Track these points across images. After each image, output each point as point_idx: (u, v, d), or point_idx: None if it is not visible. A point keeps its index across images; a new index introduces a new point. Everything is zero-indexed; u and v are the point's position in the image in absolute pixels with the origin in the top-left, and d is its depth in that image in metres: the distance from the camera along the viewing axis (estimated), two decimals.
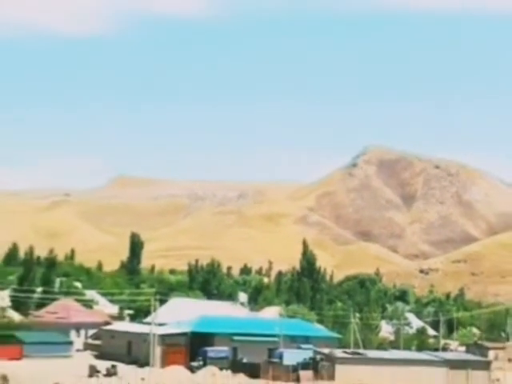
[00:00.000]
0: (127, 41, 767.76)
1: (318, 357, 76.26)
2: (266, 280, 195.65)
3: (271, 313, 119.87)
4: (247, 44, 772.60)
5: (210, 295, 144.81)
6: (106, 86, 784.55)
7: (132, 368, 79.41)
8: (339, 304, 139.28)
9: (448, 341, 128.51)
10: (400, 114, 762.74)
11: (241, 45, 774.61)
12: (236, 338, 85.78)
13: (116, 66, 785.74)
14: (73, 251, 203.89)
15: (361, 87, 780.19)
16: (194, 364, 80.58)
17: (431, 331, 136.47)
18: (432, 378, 73.35)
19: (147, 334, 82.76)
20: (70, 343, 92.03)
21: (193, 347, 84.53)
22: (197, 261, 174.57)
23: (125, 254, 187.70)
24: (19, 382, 61.99)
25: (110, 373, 72.04)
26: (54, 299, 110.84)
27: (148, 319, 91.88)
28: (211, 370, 76.46)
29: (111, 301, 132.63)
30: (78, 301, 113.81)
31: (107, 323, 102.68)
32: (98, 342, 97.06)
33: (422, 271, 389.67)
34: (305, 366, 75.10)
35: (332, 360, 74.57)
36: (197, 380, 69.25)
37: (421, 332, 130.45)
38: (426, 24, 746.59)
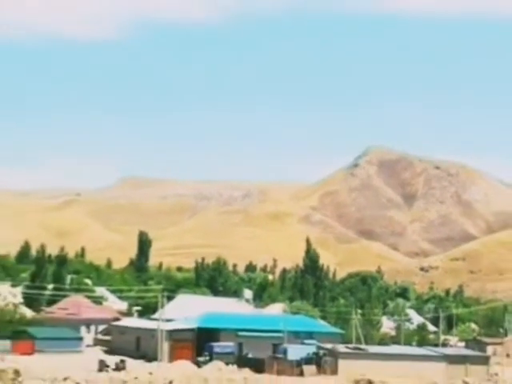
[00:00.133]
0: (134, 45, 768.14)
1: (321, 352, 76.27)
2: (270, 277, 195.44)
3: (275, 309, 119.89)
4: (249, 47, 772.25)
5: (216, 292, 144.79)
6: (115, 89, 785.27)
7: (140, 363, 79.56)
8: (342, 301, 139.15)
9: (447, 336, 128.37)
10: (401, 116, 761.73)
11: (243, 48, 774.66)
12: (241, 333, 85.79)
13: (123, 69, 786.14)
14: (83, 249, 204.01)
15: (362, 89, 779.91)
16: (201, 359, 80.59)
17: (431, 327, 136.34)
18: (432, 372, 73.31)
19: (155, 330, 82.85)
20: (81, 339, 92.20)
21: (199, 342, 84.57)
22: (203, 259, 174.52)
23: (133, 252, 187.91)
24: (31, 376, 62.07)
25: (119, 367, 72.12)
26: (65, 296, 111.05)
27: (156, 315, 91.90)
28: (217, 364, 76.49)
29: (120, 297, 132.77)
30: (88, 297, 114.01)
31: (116, 319, 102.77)
32: (107, 338, 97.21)
33: (422, 269, 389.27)
34: (308, 360, 75.11)
35: (335, 355, 74.60)
36: (203, 374, 69.25)
37: (421, 328, 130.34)
38: (427, 26, 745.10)
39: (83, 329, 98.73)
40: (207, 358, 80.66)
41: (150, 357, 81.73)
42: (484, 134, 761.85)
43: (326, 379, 70.23)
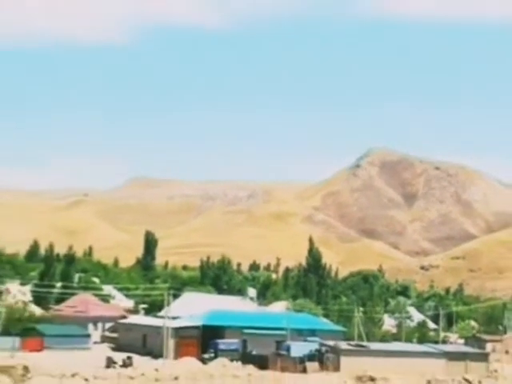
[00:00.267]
0: (145, 48, 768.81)
1: (324, 349, 76.13)
2: (274, 276, 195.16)
3: (279, 307, 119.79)
4: (255, 49, 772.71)
5: (220, 290, 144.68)
6: (124, 91, 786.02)
7: (147, 359, 79.51)
8: (344, 299, 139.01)
9: (448, 334, 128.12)
10: (401, 118, 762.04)
11: (247, 50, 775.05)
12: (246, 331, 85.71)
13: (132, 71, 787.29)
14: (91, 248, 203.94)
15: (365, 92, 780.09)
16: (206, 356, 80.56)
17: (431, 324, 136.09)
18: (432, 369, 73.15)
19: (161, 327, 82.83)
20: (88, 336, 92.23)
21: (204, 340, 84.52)
22: (208, 257, 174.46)
23: (140, 251, 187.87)
24: (40, 372, 62.06)
25: (126, 364, 72.10)
26: (73, 294, 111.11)
27: (162, 313, 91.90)
28: (222, 361, 76.43)
29: (127, 295, 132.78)
30: (95, 295, 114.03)
31: (123, 317, 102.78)
32: (114, 335, 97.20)
33: (422, 267, 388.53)
34: (311, 357, 74.98)
35: (337, 352, 74.47)
36: (208, 371, 69.17)
37: (422, 325, 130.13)
38: (427, 29, 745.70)
39: (91, 326, 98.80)
40: (212, 354, 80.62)
41: (156, 353, 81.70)
42: (483, 136, 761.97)
43: (328, 376, 70.10)
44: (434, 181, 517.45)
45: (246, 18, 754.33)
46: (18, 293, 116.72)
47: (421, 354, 76.95)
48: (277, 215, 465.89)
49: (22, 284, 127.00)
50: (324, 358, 74.22)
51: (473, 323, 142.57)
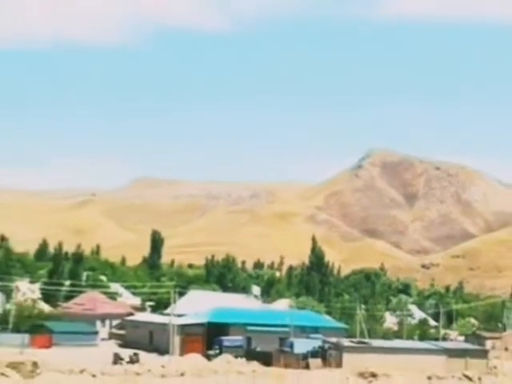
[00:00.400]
0: (144, 50, 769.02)
1: (327, 346, 76.07)
2: (277, 274, 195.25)
3: (282, 305, 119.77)
4: (258, 50, 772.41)
5: (225, 288, 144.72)
6: (127, 92, 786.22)
7: (153, 356, 79.57)
8: (346, 296, 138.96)
9: (448, 331, 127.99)
10: (402, 119, 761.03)
11: (252, 51, 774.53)
12: (250, 328, 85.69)
13: (137, 73, 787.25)
14: (98, 247, 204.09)
15: (366, 94, 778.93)
16: (211, 352, 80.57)
17: (432, 322, 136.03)
18: (433, 365, 73.06)
19: (167, 324, 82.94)
20: (96, 333, 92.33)
21: (209, 336, 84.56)
22: (213, 256, 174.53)
23: (146, 250, 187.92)
24: (49, 368, 62.13)
25: (133, 360, 72.15)
26: (81, 292, 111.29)
27: (168, 310, 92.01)
28: (227, 357, 76.41)
29: (134, 293, 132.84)
30: (103, 293, 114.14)
31: (130, 314, 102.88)
32: (121, 332, 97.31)
33: (423, 266, 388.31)
34: (314, 354, 74.91)
35: (339, 349, 74.42)
36: (213, 367, 69.17)
37: (422, 323, 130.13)
38: (426, 30, 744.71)
39: (98, 323, 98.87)
40: (217, 351, 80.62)
41: (163, 350, 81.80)
42: (483, 136, 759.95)
43: (331, 372, 70.05)
44: (435, 181, 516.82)
45: (246, 18, 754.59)
46: (28, 291, 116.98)
47: (422, 351, 76.86)
48: (280, 215, 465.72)
49: (32, 282, 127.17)
50: (327, 355, 74.15)
51: (473, 321, 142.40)
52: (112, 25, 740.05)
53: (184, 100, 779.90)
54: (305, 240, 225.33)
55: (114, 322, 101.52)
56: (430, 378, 70.20)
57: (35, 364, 61.08)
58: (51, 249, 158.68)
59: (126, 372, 63.87)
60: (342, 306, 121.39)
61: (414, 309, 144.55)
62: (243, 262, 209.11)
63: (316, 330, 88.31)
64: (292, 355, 74.86)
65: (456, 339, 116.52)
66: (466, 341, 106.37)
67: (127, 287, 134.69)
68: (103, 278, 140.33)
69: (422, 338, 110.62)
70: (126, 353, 75.26)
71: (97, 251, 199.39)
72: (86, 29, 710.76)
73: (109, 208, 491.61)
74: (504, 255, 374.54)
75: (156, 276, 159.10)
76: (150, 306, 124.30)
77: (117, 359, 72.11)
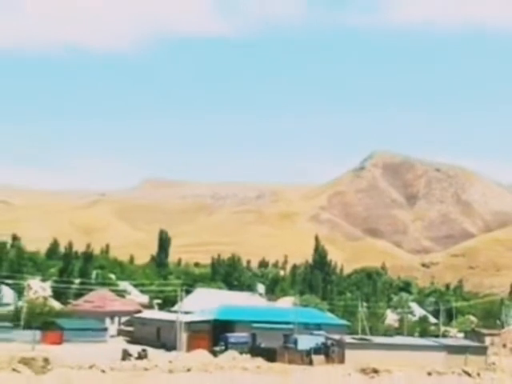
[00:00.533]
0: (153, 55, 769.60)
1: (329, 342, 75.99)
2: (281, 273, 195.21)
3: (286, 302, 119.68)
4: (264, 55, 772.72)
5: (231, 286, 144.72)
6: (139, 97, 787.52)
7: (161, 352, 79.56)
8: (348, 294, 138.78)
9: (448, 328, 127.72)
10: (404, 122, 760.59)
11: (258, 56, 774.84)
12: (255, 325, 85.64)
13: (146, 78, 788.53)
14: (107, 246, 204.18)
15: (369, 98, 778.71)
16: (217, 348, 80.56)
17: (432, 319, 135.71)
18: (433, 361, 72.94)
19: (174, 322, 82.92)
20: (105, 329, 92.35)
21: (215, 333, 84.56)
22: (219, 255, 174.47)
23: (154, 249, 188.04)
24: (59, 364, 62.17)
25: (141, 356, 72.16)
26: (91, 289, 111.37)
27: (175, 308, 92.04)
28: (232, 354, 76.39)
29: (142, 291, 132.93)
30: (112, 291, 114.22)
31: (138, 311, 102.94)
32: (130, 329, 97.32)
33: (423, 265, 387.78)
34: (317, 350, 74.85)
35: (342, 345, 74.34)
36: (219, 363, 69.14)
37: (423, 320, 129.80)
38: (428, 36, 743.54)
39: (108, 320, 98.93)
40: (223, 347, 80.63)
41: (170, 346, 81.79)
42: (481, 139, 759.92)
43: (333, 368, 70.00)
44: (435, 182, 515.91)
45: (250, 24, 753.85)
46: (39, 288, 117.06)
47: (422, 348, 76.73)
48: (284, 215, 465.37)
49: (43, 280, 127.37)
50: (329, 351, 74.09)
51: (472, 318, 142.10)
52: (120, 30, 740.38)
53: (192, 104, 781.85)
54: (308, 239, 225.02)
55: (123, 319, 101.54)
56: (430, 373, 70.12)
57: (46, 360, 61.13)
58: (62, 248, 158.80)
59: (135, 368, 63.88)
60: (345, 303, 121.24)
61: (414, 306, 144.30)
62: (248, 261, 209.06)
63: (319, 327, 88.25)
64: (296, 351, 74.81)
65: (455, 336, 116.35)
66: (466, 337, 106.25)
67: (135, 285, 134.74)
68: (112, 276, 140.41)
69: (423, 334, 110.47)
70: (135, 349, 75.27)
71: (106, 250, 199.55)
72: (97, 35, 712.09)
73: (118, 208, 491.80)
74: (502, 254, 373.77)
75: (163, 274, 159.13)
76: (158, 304, 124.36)
77: (125, 355, 72.11)
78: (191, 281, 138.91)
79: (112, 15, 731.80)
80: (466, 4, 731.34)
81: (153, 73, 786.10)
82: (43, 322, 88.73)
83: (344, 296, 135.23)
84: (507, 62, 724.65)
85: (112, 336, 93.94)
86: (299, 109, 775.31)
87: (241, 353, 77.34)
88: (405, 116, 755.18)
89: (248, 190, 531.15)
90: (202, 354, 75.69)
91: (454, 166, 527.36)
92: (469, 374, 71.45)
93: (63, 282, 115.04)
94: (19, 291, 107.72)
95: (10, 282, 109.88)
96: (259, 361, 72.14)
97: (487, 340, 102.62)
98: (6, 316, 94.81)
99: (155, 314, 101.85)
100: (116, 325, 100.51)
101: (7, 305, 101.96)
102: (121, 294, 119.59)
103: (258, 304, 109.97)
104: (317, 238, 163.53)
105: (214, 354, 78.04)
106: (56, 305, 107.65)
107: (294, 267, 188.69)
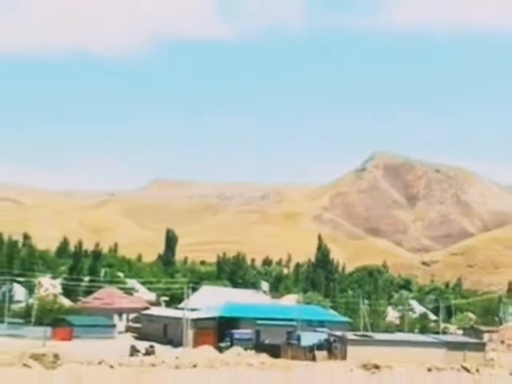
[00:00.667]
0: (164, 58, 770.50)
1: (332, 339, 75.89)
2: (285, 271, 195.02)
3: (290, 300, 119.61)
4: (266, 58, 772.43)
5: (236, 284, 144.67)
6: (147, 99, 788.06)
7: (168, 348, 79.60)
8: (350, 292, 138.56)
9: (447, 325, 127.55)
10: (404, 123, 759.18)
11: (261, 59, 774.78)
12: (259, 322, 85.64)
13: (153, 80, 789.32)
14: (116, 245, 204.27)
15: (370, 100, 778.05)
16: (222, 345, 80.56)
17: (432, 316, 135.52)
18: (433, 357, 72.81)
19: (181, 318, 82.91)
20: (114, 326, 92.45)
21: (221, 330, 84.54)
22: (224, 254, 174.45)
23: (161, 248, 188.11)
24: (69, 359, 62.21)
25: (149, 352, 72.18)
26: (100, 287, 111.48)
27: (181, 305, 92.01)
28: (237, 350, 76.38)
29: (149, 289, 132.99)
30: (120, 289, 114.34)
31: (146, 308, 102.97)
32: (137, 325, 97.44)
33: (423, 263, 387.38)
34: (320, 346, 74.75)
35: (344, 342, 74.23)
36: (224, 359, 69.09)
37: (423, 317, 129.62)
38: (428, 38, 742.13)
39: (116, 317, 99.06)
40: (228, 343, 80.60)
41: (177, 343, 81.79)
42: (480, 141, 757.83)
43: (336, 364, 69.92)
44: (435, 183, 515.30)
45: (251, 28, 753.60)
46: (49, 286, 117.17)
47: (422, 344, 76.58)
48: (288, 214, 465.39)
49: (53, 278, 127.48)
50: (332, 347, 73.99)
51: (471, 315, 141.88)
52: (121, 33, 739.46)
53: (196, 105, 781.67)
54: (311, 238, 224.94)
55: (131, 316, 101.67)
56: (430, 369, 69.99)
57: (56, 356, 61.16)
58: (72, 246, 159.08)
59: (142, 363, 63.88)
60: (347, 301, 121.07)
61: (414, 304, 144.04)
62: (253, 260, 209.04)
63: (322, 323, 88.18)
64: (299, 348, 74.74)
65: (455, 333, 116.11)
66: (465, 334, 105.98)
67: (143, 283, 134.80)
68: (120, 274, 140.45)
69: (423, 331, 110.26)
70: (142, 345, 75.31)
71: (114, 249, 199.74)
72: (98, 38, 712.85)
73: (127, 208, 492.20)
74: (500, 253, 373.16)
75: (170, 272, 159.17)
76: (165, 301, 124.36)
77: (133, 351, 72.16)
78: (197, 279, 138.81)
79: (113, 18, 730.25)
80: (465, 5, 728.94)
81: (156, 74, 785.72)
82: (53, 319, 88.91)
83: (346, 294, 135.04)
84: (507, 62, 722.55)
85: (120, 332, 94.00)
86: (301, 110, 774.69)
87: (245, 349, 77.33)
88: (405, 117, 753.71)
89: (253, 191, 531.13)
90: (207, 350, 75.66)
91: (453, 167, 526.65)
92: (468, 370, 71.31)
93: (73, 280, 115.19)
94: (30, 289, 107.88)
95: (21, 279, 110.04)
96: (263, 357, 72.09)
97: (486, 337, 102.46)
98: (17, 313, 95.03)
99: (162, 311, 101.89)
100: (124, 321, 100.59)
101: (19, 302, 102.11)
102: (129, 291, 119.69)
103: (263, 301, 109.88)
104: (319, 238, 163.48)
105: (220, 350, 78.00)
106: (66, 302, 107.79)
107: (298, 266, 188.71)
